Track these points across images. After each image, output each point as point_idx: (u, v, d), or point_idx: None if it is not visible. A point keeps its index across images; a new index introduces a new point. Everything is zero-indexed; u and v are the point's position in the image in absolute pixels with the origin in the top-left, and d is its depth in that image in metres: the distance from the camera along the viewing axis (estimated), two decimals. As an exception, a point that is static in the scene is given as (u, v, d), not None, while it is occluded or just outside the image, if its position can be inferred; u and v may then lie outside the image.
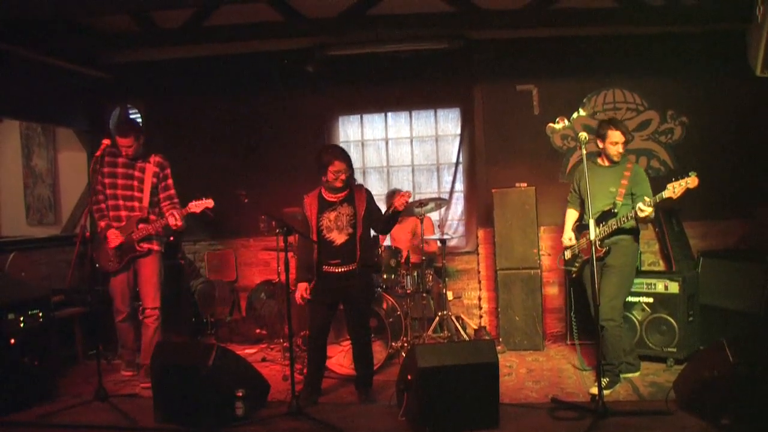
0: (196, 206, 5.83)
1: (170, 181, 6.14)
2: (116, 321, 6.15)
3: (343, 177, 5.35)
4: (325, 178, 5.40)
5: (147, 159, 6.04)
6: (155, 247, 6.06)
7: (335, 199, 5.47)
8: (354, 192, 5.52)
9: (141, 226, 5.91)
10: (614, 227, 5.39)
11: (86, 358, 6.91)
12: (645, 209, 5.11)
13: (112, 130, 5.95)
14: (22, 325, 5.76)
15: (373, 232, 5.78)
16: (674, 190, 4.99)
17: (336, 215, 5.43)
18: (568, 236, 5.91)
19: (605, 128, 5.55)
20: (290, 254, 5.23)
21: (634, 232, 5.58)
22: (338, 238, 5.42)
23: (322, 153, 5.44)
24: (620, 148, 5.51)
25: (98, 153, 5.70)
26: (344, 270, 5.44)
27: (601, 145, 5.60)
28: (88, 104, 8.35)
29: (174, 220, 5.82)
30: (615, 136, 5.48)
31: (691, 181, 4.95)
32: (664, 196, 5.05)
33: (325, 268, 5.48)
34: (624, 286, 5.62)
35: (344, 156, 5.39)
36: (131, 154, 5.94)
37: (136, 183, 5.98)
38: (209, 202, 5.84)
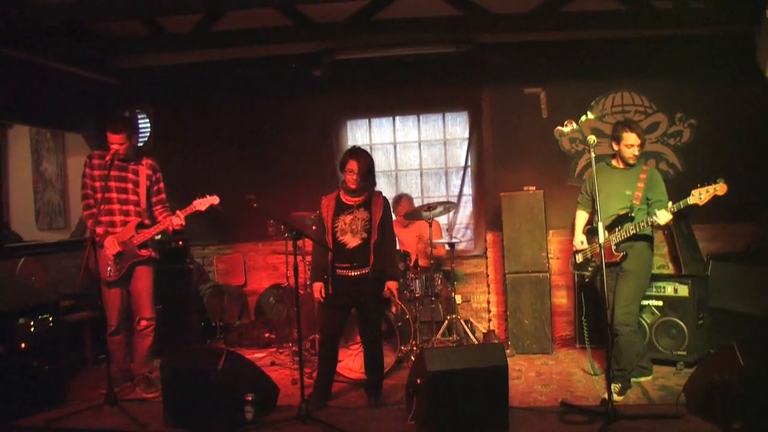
0: (201, 204, 5.74)
1: (162, 185, 6.09)
2: (107, 334, 5.92)
3: (354, 177, 5.35)
4: (344, 179, 5.44)
5: (139, 161, 5.96)
6: (153, 254, 5.99)
7: (352, 203, 5.49)
8: (372, 198, 5.53)
9: (141, 230, 5.84)
10: (632, 232, 5.30)
11: (96, 363, 6.92)
12: (665, 217, 5.05)
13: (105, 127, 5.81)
14: (32, 329, 5.78)
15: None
16: (701, 196, 4.89)
17: (352, 219, 5.45)
18: (580, 239, 5.83)
19: (620, 130, 5.45)
20: (299, 258, 5.24)
21: (650, 238, 5.51)
22: (351, 241, 5.43)
23: (343, 153, 5.53)
24: (636, 151, 5.41)
25: (108, 157, 5.61)
26: (357, 274, 5.45)
27: (615, 148, 5.50)
28: (97, 109, 8.35)
29: (179, 219, 5.73)
30: (630, 138, 5.37)
31: (720, 188, 4.85)
32: (689, 203, 4.96)
33: (339, 271, 5.49)
34: (640, 292, 5.57)
35: (358, 156, 5.39)
36: (126, 152, 5.80)
37: (130, 186, 5.89)
38: (215, 199, 5.76)
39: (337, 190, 5.61)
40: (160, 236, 6.16)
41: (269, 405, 5.32)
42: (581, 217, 5.97)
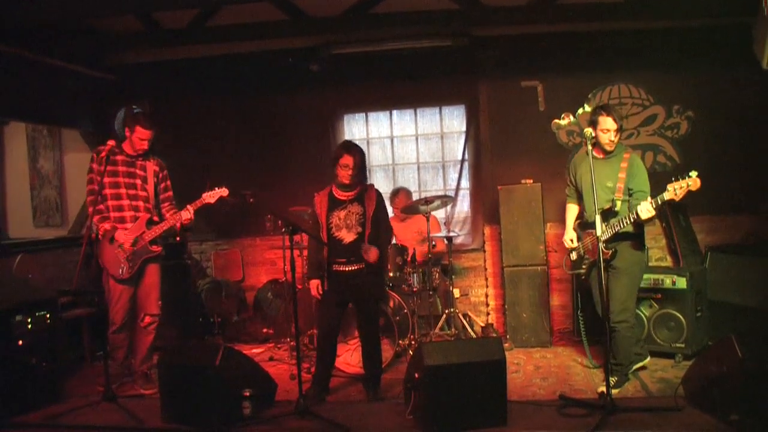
0: (211, 196, 5.72)
1: (169, 183, 6.08)
2: (109, 332, 5.86)
3: (349, 172, 5.34)
4: (336, 172, 5.42)
5: (147, 159, 5.93)
6: (162, 251, 5.98)
7: (345, 198, 5.47)
8: (365, 192, 5.51)
9: (152, 227, 5.80)
10: (617, 228, 5.15)
11: (93, 359, 6.92)
12: (647, 213, 4.88)
13: (130, 120, 5.76)
14: (30, 326, 5.78)
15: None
16: (675, 191, 4.70)
17: (346, 214, 5.43)
18: (570, 237, 5.74)
19: (596, 114, 5.27)
20: (296, 253, 5.22)
21: (636, 235, 5.33)
22: (347, 236, 5.41)
23: (336, 148, 5.49)
24: (612, 136, 5.21)
25: (103, 154, 5.57)
26: (353, 269, 5.44)
27: (593, 134, 5.21)
28: (94, 105, 8.35)
29: (188, 213, 5.72)
30: (606, 122, 5.18)
31: (693, 182, 4.65)
32: (665, 198, 4.78)
33: (335, 267, 5.48)
34: (634, 288, 5.46)
35: (353, 150, 5.38)
36: (146, 149, 5.80)
37: (139, 182, 5.87)
38: (224, 191, 5.74)
39: (329, 186, 5.59)
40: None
41: (267, 400, 5.31)
42: (572, 210, 5.88)
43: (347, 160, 5.33)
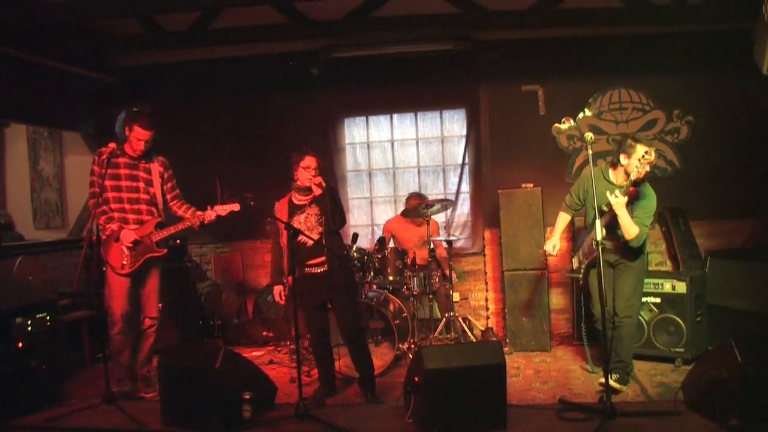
0: (223, 209, 5.69)
1: (175, 181, 6.03)
2: (112, 333, 5.77)
3: (311, 174, 5.38)
4: (296, 176, 5.45)
5: (150, 160, 5.87)
6: (166, 252, 5.94)
7: (304, 202, 5.52)
8: (321, 193, 5.49)
9: (160, 230, 5.74)
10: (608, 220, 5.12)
11: (94, 362, 6.92)
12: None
13: (129, 120, 5.72)
14: (29, 328, 5.77)
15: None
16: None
17: (305, 217, 5.47)
18: (553, 243, 5.66)
19: (633, 143, 5.07)
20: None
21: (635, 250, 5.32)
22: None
23: (292, 154, 5.52)
24: (648, 168, 5.02)
25: (104, 156, 5.55)
26: (324, 270, 5.46)
27: (625, 161, 5.12)
28: (95, 108, 8.35)
29: (212, 214, 5.70)
30: (642, 150, 4.94)
31: None
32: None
33: (307, 270, 5.50)
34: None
35: (314, 153, 5.47)
36: (144, 150, 5.73)
37: (142, 185, 5.79)
38: (235, 206, 5.69)
39: (289, 194, 5.63)
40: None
41: (267, 403, 5.31)
42: (563, 219, 5.82)
43: (309, 161, 5.39)
